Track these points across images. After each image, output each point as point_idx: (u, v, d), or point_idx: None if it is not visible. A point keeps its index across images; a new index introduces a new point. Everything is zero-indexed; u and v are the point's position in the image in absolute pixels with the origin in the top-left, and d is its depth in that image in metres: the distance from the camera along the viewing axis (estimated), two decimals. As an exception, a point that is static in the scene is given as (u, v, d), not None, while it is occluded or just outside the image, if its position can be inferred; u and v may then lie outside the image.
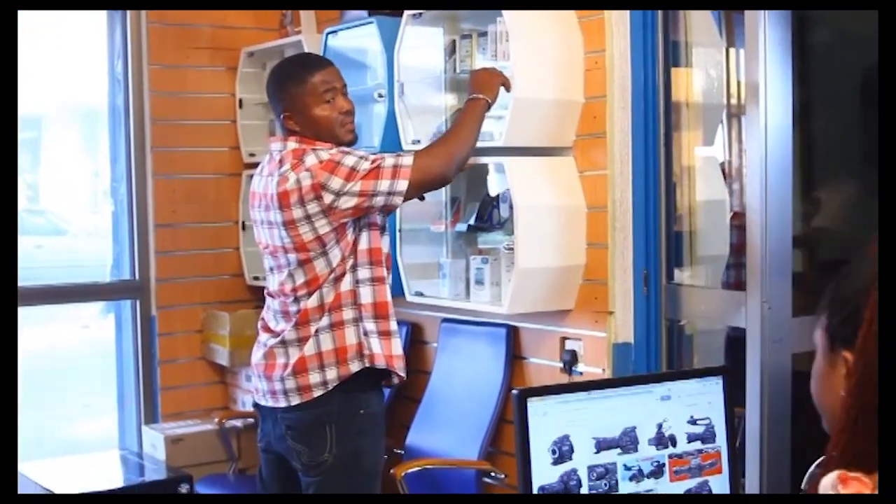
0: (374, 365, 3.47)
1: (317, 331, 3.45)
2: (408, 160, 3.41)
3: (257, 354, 3.61)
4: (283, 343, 3.50)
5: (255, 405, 3.71)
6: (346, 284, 3.45)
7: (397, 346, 3.53)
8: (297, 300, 3.48)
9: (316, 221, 3.38)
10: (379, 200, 3.40)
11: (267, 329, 3.60)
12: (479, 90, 3.64)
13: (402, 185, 3.39)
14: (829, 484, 1.43)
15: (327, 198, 3.35)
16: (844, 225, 4.38)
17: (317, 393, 3.45)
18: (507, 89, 3.72)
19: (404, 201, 3.47)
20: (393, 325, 3.52)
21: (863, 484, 1.40)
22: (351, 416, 3.48)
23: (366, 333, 3.46)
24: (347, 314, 3.46)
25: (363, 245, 3.46)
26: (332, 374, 3.45)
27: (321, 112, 3.49)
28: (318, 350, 3.45)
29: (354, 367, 3.45)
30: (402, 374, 3.55)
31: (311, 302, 3.45)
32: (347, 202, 3.36)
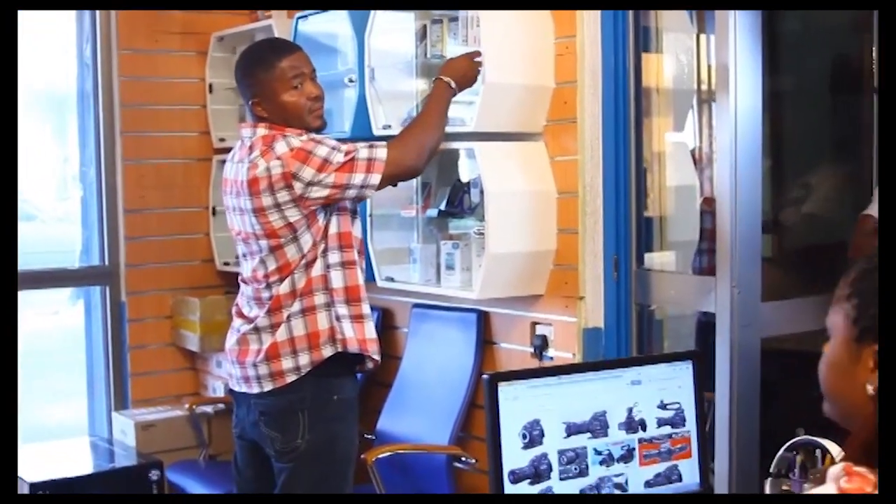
0: (346, 349, 3.46)
1: (289, 316, 3.44)
2: (381, 153, 3.41)
3: (231, 340, 3.60)
4: (256, 329, 3.49)
5: (229, 391, 3.70)
6: (317, 269, 3.44)
7: (370, 329, 3.52)
8: (269, 286, 3.47)
9: (286, 209, 3.37)
10: (351, 193, 3.40)
11: (240, 315, 3.59)
12: (447, 72, 3.65)
13: (376, 178, 3.39)
14: (834, 474, 1.43)
15: (298, 187, 3.34)
16: (831, 211, 4.41)
17: (289, 378, 3.45)
18: (473, 80, 3.75)
19: (376, 191, 3.47)
20: (365, 309, 3.51)
21: (865, 481, 1.40)
22: (324, 401, 3.48)
23: (338, 318, 3.46)
24: (319, 299, 3.45)
25: (333, 229, 3.46)
26: (304, 359, 3.44)
27: (289, 98, 3.47)
28: (291, 335, 3.44)
29: (327, 351, 3.45)
30: (377, 357, 3.55)
31: (283, 288, 3.45)
32: (318, 192, 3.35)
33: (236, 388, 3.60)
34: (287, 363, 3.45)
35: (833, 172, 4.40)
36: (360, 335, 3.49)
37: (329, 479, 3.52)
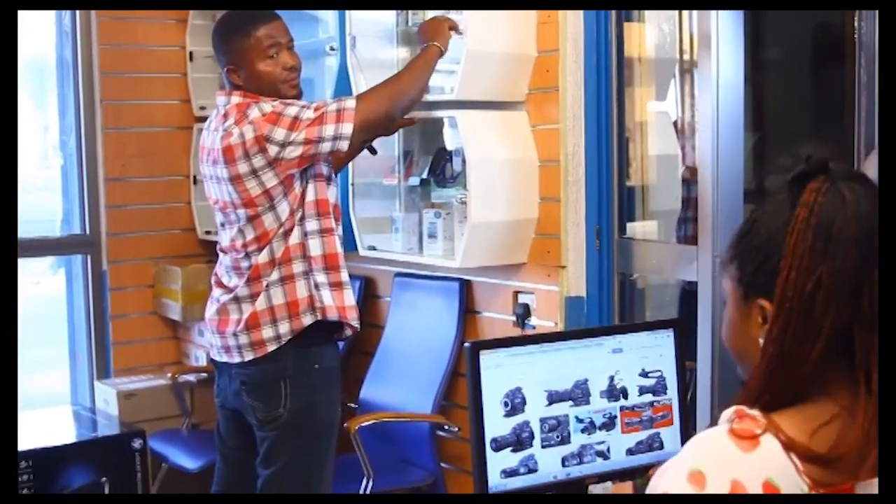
0: (326, 318, 3.47)
1: (268, 285, 3.44)
2: (350, 103, 3.40)
3: (210, 310, 3.60)
4: (236, 299, 3.49)
5: (211, 360, 3.70)
6: (294, 238, 3.43)
7: (349, 297, 3.52)
8: (248, 255, 3.47)
9: (262, 175, 3.37)
10: (325, 147, 3.37)
11: (220, 285, 3.59)
12: (430, 38, 3.63)
13: (347, 128, 3.37)
14: (726, 416, 1.48)
15: (272, 150, 3.33)
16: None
17: (270, 348, 3.45)
18: (456, 31, 3.72)
19: (351, 145, 3.44)
20: (344, 277, 3.51)
21: (755, 423, 1.45)
22: (305, 370, 3.48)
23: (317, 286, 3.46)
24: (297, 267, 3.45)
25: (311, 197, 3.45)
26: (284, 328, 3.44)
27: (264, 67, 3.46)
28: (270, 304, 3.44)
29: (307, 320, 3.45)
30: (356, 325, 3.55)
31: (262, 257, 3.44)
32: (293, 152, 3.35)
33: (217, 358, 3.60)
34: (267, 332, 3.45)
35: (823, 143, 4.41)
36: (340, 303, 3.49)
37: (312, 447, 3.53)
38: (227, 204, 3.46)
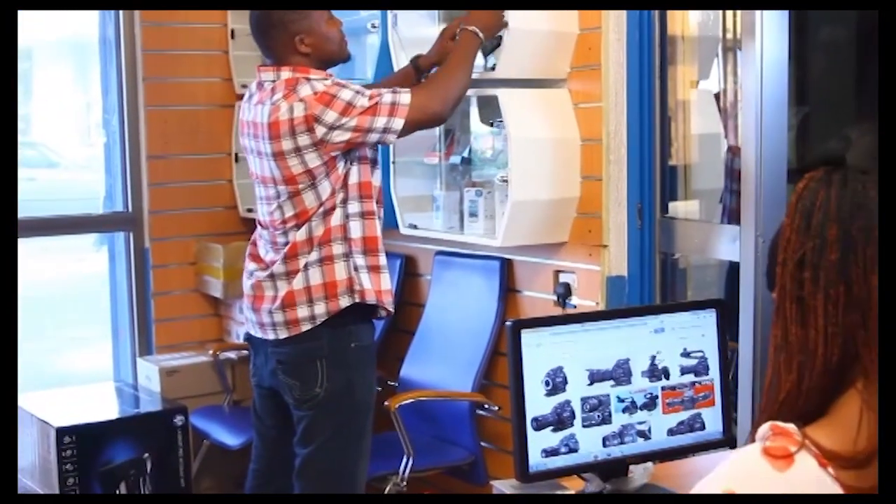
0: (364, 300, 3.47)
1: (306, 265, 3.45)
2: (405, 98, 3.40)
3: (246, 285, 3.61)
4: (272, 276, 3.50)
5: (247, 337, 3.71)
6: (336, 219, 3.44)
7: (386, 280, 3.53)
8: (285, 232, 3.47)
9: (306, 154, 3.37)
10: (373, 137, 3.39)
11: (255, 258, 3.60)
12: (472, 22, 3.63)
13: (398, 123, 3.38)
14: (761, 434, 1.46)
15: (319, 131, 3.33)
16: (872, 165, 4.36)
17: (304, 327, 3.46)
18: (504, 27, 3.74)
19: (398, 138, 3.46)
20: (382, 260, 3.52)
21: (790, 440, 1.42)
22: (341, 350, 3.49)
23: (356, 268, 3.46)
24: (337, 249, 3.45)
25: (353, 179, 3.45)
26: (320, 308, 3.45)
27: (331, 29, 3.51)
28: (307, 284, 3.45)
29: (344, 301, 3.46)
30: (391, 308, 3.57)
31: (300, 235, 3.45)
32: (340, 136, 3.35)
33: (253, 333, 3.61)
34: (303, 311, 3.45)
35: (873, 127, 4.36)
36: (377, 286, 3.50)
37: (349, 427, 3.54)
38: (268, 179, 3.47)
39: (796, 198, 1.53)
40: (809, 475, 1.41)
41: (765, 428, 1.46)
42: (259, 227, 3.62)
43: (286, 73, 3.45)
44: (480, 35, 3.63)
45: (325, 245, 3.45)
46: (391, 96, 3.40)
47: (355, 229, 3.46)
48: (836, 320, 1.45)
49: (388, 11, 4.26)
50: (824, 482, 1.40)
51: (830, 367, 1.46)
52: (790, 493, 1.39)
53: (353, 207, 3.46)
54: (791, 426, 1.44)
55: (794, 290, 1.49)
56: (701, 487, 1.45)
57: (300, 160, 3.37)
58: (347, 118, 3.34)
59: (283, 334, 3.48)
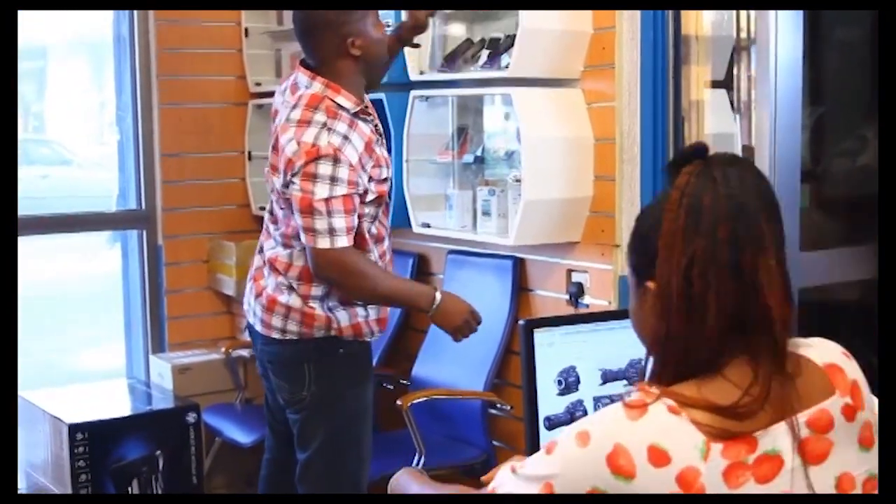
0: (341, 336, 3.44)
1: (287, 287, 3.41)
2: (323, 243, 3.25)
3: (257, 263, 3.59)
4: (271, 267, 3.48)
5: (248, 326, 3.67)
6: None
7: (369, 311, 3.48)
8: (275, 236, 3.46)
9: (281, 190, 3.35)
10: (298, 222, 3.28)
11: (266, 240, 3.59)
12: (436, 315, 3.48)
13: (303, 237, 3.28)
14: (626, 392, 1.61)
15: (286, 177, 3.28)
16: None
17: (274, 335, 3.44)
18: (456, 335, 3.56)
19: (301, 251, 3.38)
20: None
21: (647, 394, 1.55)
22: (330, 355, 3.46)
23: (331, 308, 3.42)
24: (316, 291, 3.40)
25: None
26: (293, 327, 3.42)
27: (380, 32, 3.44)
28: (288, 303, 3.41)
29: (319, 334, 3.42)
30: (370, 339, 3.52)
31: (283, 255, 3.41)
32: (289, 193, 3.29)
33: (249, 321, 3.59)
34: (277, 321, 3.43)
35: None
36: (359, 318, 3.45)
37: (344, 431, 3.50)
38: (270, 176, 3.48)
39: (679, 194, 1.57)
40: (660, 423, 1.52)
41: (633, 389, 1.59)
42: (267, 215, 3.61)
43: (317, 86, 3.35)
44: (429, 314, 3.46)
45: (305, 283, 3.39)
46: (325, 225, 3.23)
47: None
48: (727, 310, 1.55)
49: (402, 11, 4.26)
50: (678, 428, 1.51)
51: (713, 347, 1.56)
52: (641, 439, 1.51)
53: None
54: (653, 387, 1.56)
55: (683, 286, 1.56)
56: (563, 432, 1.58)
57: (283, 185, 3.33)
58: (299, 185, 3.23)
59: (265, 331, 3.47)
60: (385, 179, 3.41)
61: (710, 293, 1.54)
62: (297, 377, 3.46)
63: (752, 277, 1.55)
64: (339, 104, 3.32)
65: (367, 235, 3.40)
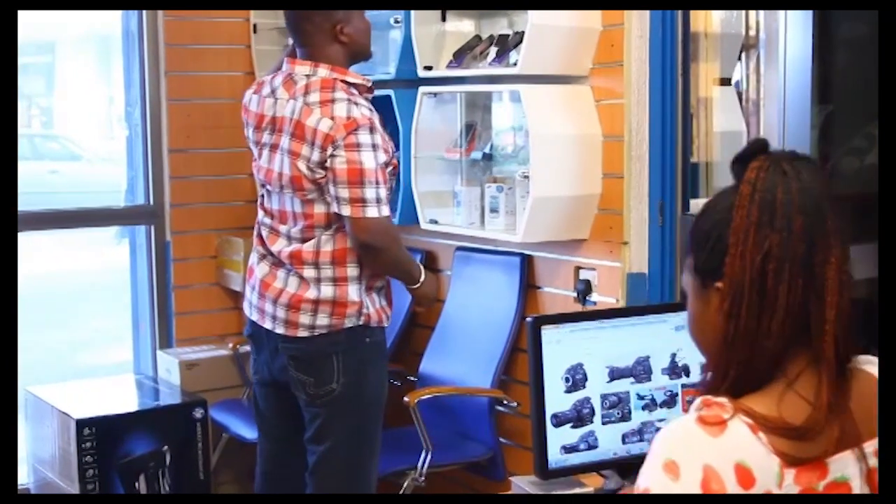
0: (368, 324, 3.47)
1: (316, 278, 3.42)
2: (371, 212, 3.35)
3: (258, 266, 3.58)
4: (284, 269, 3.48)
5: (251, 331, 3.66)
6: (351, 241, 3.43)
7: (389, 297, 3.58)
8: (290, 234, 3.47)
9: (315, 170, 3.36)
10: (332, 191, 3.36)
11: (262, 243, 3.58)
12: (421, 287, 3.63)
13: (347, 210, 3.36)
14: (693, 406, 1.53)
15: (328, 151, 3.32)
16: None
17: (301, 333, 3.45)
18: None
19: (342, 222, 3.42)
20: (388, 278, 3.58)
21: (723, 409, 1.49)
22: (357, 345, 3.48)
23: (366, 290, 3.47)
24: (352, 271, 3.44)
25: None
26: (323, 321, 3.44)
27: (364, 22, 3.54)
28: (318, 297, 3.43)
29: (349, 323, 3.45)
30: (386, 324, 3.59)
31: (308, 246, 3.43)
32: (334, 164, 3.33)
33: (255, 320, 3.58)
34: (304, 318, 3.44)
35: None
36: (379, 304, 3.52)
37: (364, 423, 3.53)
38: (279, 176, 3.46)
39: (750, 188, 1.55)
40: (743, 441, 1.47)
41: (697, 401, 1.52)
42: (261, 214, 3.60)
43: (323, 72, 3.44)
44: (415, 286, 3.63)
45: (339, 265, 3.44)
46: (373, 194, 3.35)
47: None
48: (794, 309, 1.52)
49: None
50: (757, 449, 1.46)
51: (779, 350, 1.53)
52: (727, 458, 1.45)
53: None
54: (723, 399, 1.51)
55: (757, 282, 1.53)
56: (646, 467, 1.50)
57: (309, 170, 3.36)
58: (344, 156, 3.31)
59: (290, 332, 3.47)
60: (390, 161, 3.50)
61: (782, 288, 1.51)
62: (325, 370, 3.47)
63: (820, 274, 1.53)
64: (348, 83, 3.43)
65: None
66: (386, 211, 3.39)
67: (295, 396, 3.55)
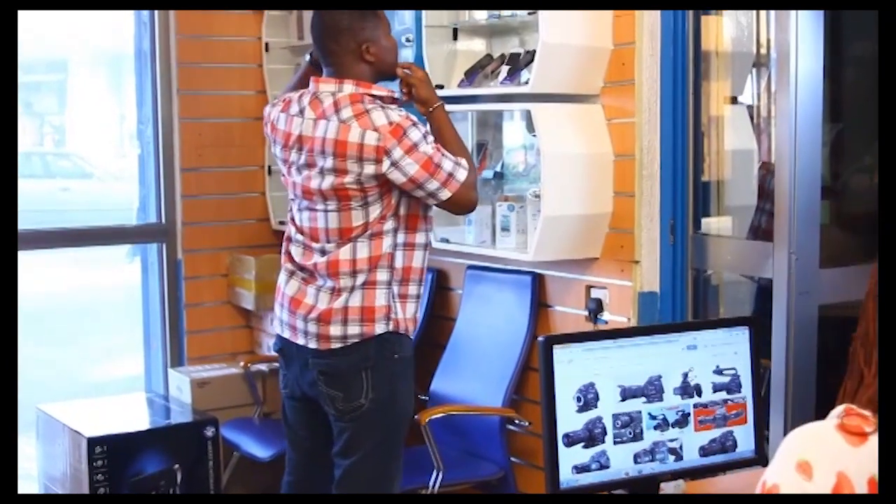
0: (397, 329, 3.48)
1: (350, 287, 3.44)
2: (461, 175, 3.43)
3: (288, 284, 3.59)
4: (314, 286, 3.49)
5: (280, 346, 3.67)
6: (385, 246, 3.43)
7: (417, 309, 3.58)
8: (325, 248, 3.47)
9: (365, 182, 3.37)
10: (420, 193, 3.40)
11: (291, 260, 3.59)
12: (429, 102, 3.60)
13: (446, 193, 3.41)
14: (835, 412, 1.50)
15: (385, 164, 3.34)
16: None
17: (334, 345, 3.45)
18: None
19: (434, 207, 3.49)
20: (420, 290, 3.56)
21: (866, 421, 1.47)
22: (386, 360, 3.49)
23: (395, 297, 3.47)
24: (382, 276, 3.45)
25: (403, 210, 3.45)
26: (354, 330, 3.44)
27: (391, 42, 3.55)
28: (346, 305, 3.45)
29: (379, 328, 3.45)
30: (412, 334, 3.60)
31: (344, 253, 3.44)
32: (398, 177, 3.36)
33: (286, 337, 3.58)
34: (335, 330, 3.45)
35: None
36: (408, 314, 3.52)
37: (391, 438, 3.53)
38: (316, 192, 3.45)
39: None
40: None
41: (839, 409, 1.49)
42: (293, 230, 3.60)
43: (349, 87, 3.45)
44: (442, 104, 3.61)
45: (372, 270, 3.45)
46: (451, 165, 3.42)
47: (400, 259, 3.47)
48: None
49: (423, 26, 4.27)
50: None
51: None
52: (862, 470, 1.43)
53: (402, 237, 3.47)
54: (867, 412, 1.48)
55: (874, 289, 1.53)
56: (776, 464, 1.47)
57: (358, 183, 3.37)
58: (409, 162, 3.36)
59: (323, 346, 3.48)
60: None
61: None
62: (354, 385, 3.47)
63: None
64: (374, 96, 3.45)
65: (420, 214, 3.52)
66: (465, 163, 3.46)
67: (324, 411, 3.56)
